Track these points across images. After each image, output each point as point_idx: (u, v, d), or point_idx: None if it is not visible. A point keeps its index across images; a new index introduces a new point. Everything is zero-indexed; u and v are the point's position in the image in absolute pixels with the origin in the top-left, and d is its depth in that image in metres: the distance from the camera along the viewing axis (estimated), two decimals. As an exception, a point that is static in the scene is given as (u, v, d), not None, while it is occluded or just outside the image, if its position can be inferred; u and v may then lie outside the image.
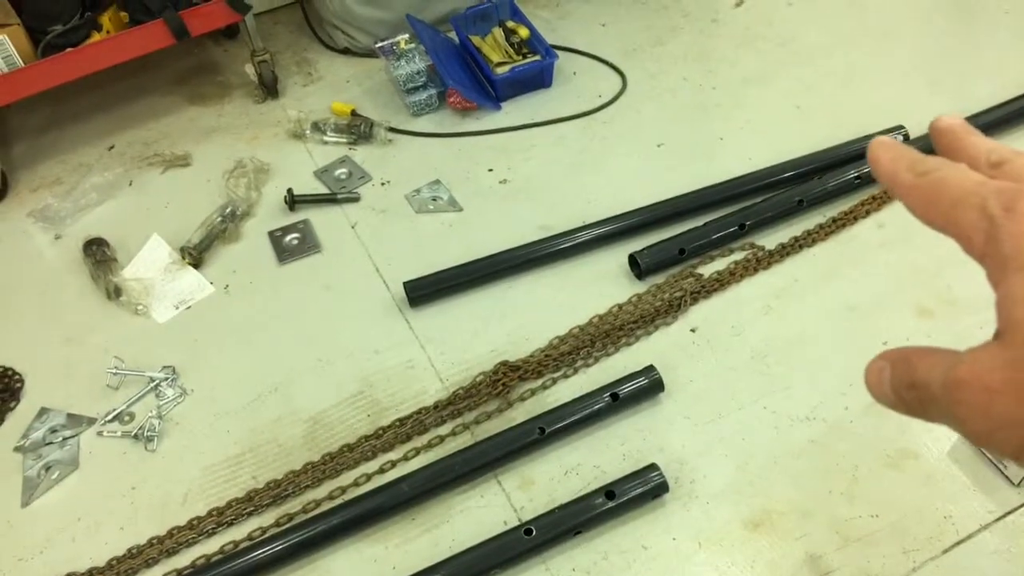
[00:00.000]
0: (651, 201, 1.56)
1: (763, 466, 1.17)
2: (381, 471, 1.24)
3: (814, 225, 1.50)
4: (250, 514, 1.21)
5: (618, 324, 1.36)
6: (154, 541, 1.19)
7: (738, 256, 1.46)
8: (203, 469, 1.27)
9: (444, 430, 1.28)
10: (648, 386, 1.25)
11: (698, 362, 1.31)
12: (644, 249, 1.46)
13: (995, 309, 0.31)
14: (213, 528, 1.20)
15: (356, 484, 1.23)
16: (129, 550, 1.18)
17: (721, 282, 1.41)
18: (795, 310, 1.37)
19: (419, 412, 1.29)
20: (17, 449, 1.33)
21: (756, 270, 1.43)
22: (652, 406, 1.26)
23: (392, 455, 1.26)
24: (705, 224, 1.49)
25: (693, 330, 1.36)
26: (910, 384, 0.34)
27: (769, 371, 1.28)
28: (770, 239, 1.49)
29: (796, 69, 1.90)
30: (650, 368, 1.26)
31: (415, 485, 1.20)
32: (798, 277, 1.42)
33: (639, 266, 1.43)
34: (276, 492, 1.23)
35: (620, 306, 1.40)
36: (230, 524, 1.20)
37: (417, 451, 1.26)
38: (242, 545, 1.17)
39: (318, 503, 1.21)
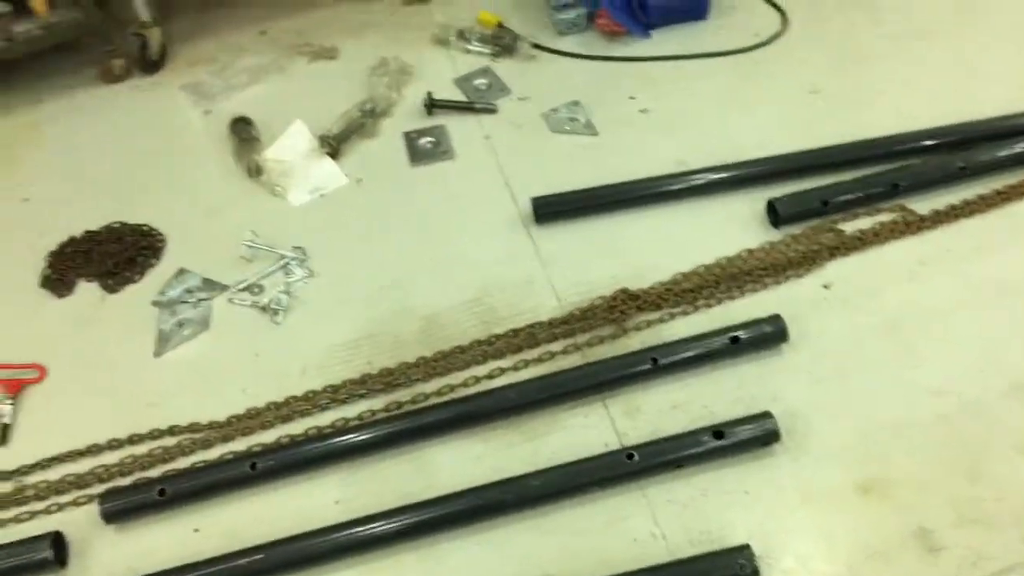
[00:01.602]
0: (797, 149, 1.49)
1: (884, 433, 1.13)
2: (490, 376, 1.26)
3: (975, 195, 1.40)
4: (362, 396, 1.26)
5: (746, 269, 1.32)
6: (271, 406, 1.25)
7: (886, 217, 1.38)
8: (322, 347, 1.32)
9: (555, 347, 1.28)
10: (771, 334, 1.21)
11: (827, 318, 1.26)
12: (784, 196, 1.40)
13: None
14: (327, 403, 1.25)
15: (465, 385, 1.25)
16: (248, 410, 1.25)
17: (863, 241, 1.34)
18: (942, 280, 1.30)
19: (533, 326, 1.30)
20: (155, 304, 1.41)
21: (904, 234, 1.35)
22: (772, 355, 1.22)
23: (502, 363, 1.27)
24: (855, 179, 1.42)
25: (826, 286, 1.30)
26: None
27: (904, 338, 1.22)
28: (923, 204, 1.40)
29: (973, 27, 1.75)
30: (775, 317, 1.22)
31: (522, 394, 1.21)
32: (950, 247, 1.34)
33: (777, 213, 1.38)
34: (388, 380, 1.26)
35: (751, 251, 1.35)
36: (343, 402, 1.25)
37: (527, 363, 1.27)
38: (352, 423, 1.22)
39: (427, 396, 1.24)
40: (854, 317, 1.26)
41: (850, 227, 1.38)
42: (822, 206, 1.38)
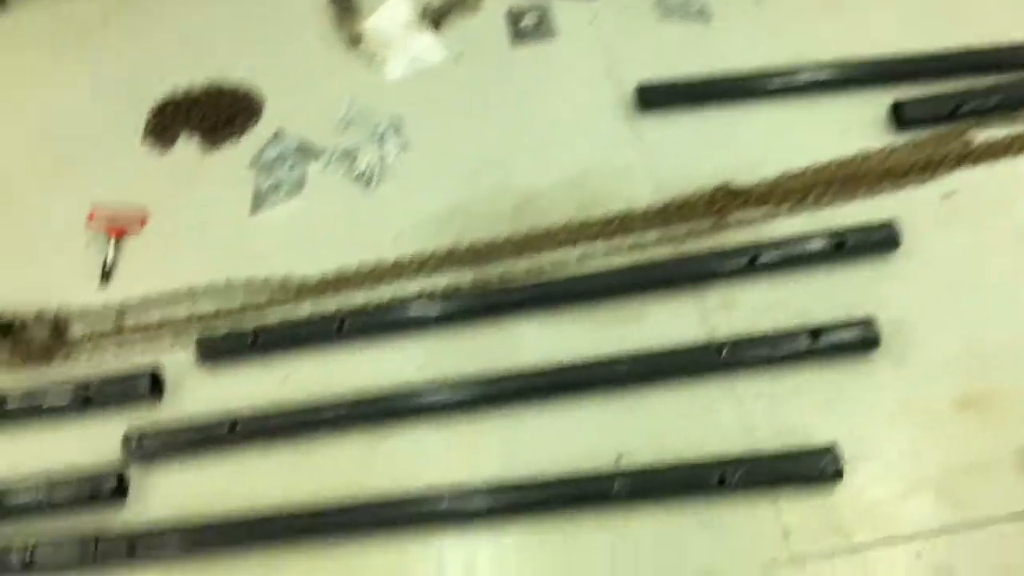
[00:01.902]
0: (931, 48, 1.37)
1: (996, 351, 1.07)
2: (581, 260, 1.24)
3: None
4: (451, 269, 1.25)
5: (862, 172, 1.25)
6: (361, 271, 1.26)
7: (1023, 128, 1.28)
8: (414, 218, 1.31)
9: (650, 237, 1.24)
10: (882, 240, 1.15)
11: (946, 230, 1.18)
12: (912, 99, 1.30)
13: None
14: (415, 272, 1.25)
15: (555, 267, 1.23)
16: (338, 273, 1.26)
17: (994, 152, 1.24)
18: (1078, 200, 1.20)
19: (629, 214, 1.26)
20: (251, 164, 1.43)
21: (1040, 147, 1.25)
22: (881, 263, 1.16)
23: (594, 248, 1.24)
24: (991, 85, 1.31)
25: (948, 196, 1.22)
26: None
27: (1029, 257, 1.14)
28: (1066, 117, 1.29)
29: None
30: (888, 223, 1.16)
31: (614, 280, 1.19)
32: (1091, 165, 1.24)
33: (902, 116, 1.28)
34: (478, 255, 1.25)
35: (869, 154, 1.27)
36: (431, 273, 1.25)
37: (620, 250, 1.23)
38: (439, 293, 1.22)
39: (516, 275, 1.23)
40: (975, 231, 1.18)
41: (981, 136, 1.28)
42: (952, 112, 1.28)
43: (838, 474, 0.98)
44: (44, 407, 1.16)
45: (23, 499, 1.10)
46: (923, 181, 1.24)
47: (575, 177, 1.33)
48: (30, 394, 1.17)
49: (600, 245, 1.25)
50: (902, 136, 1.30)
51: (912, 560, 0.95)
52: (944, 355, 1.07)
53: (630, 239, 1.25)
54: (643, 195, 1.29)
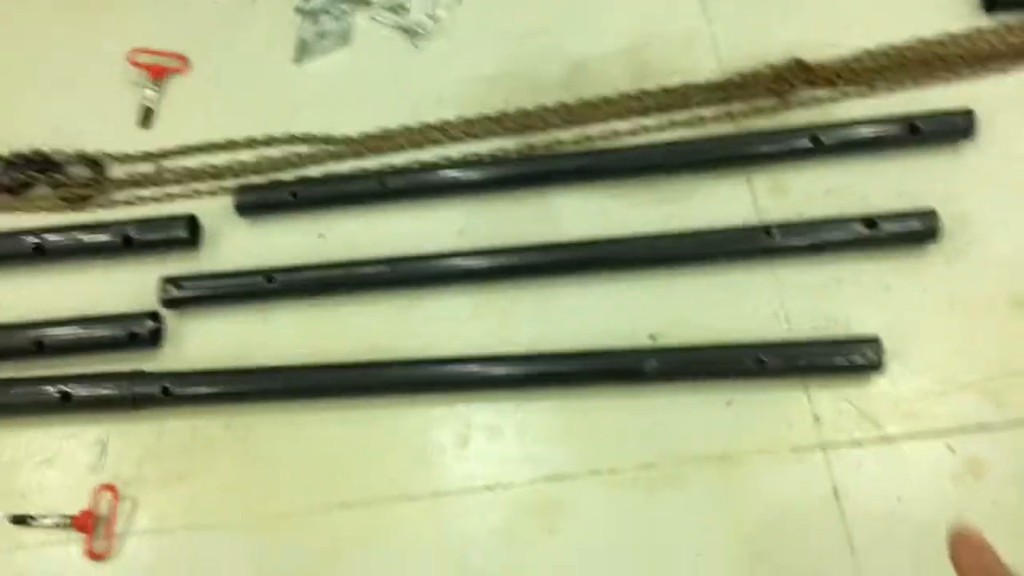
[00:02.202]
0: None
1: (1061, 253, 1.02)
2: (632, 133, 1.18)
3: None
4: (496, 134, 1.21)
5: (942, 55, 1.16)
6: (404, 130, 1.22)
7: (1126, 18, 1.17)
8: (461, 79, 1.26)
9: (708, 112, 1.18)
10: (956, 129, 1.08)
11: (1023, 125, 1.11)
12: (1007, -21, 1.19)
13: None
14: (459, 135, 1.21)
15: (604, 138, 1.19)
16: (381, 130, 1.23)
17: (1090, 43, 1.15)
18: None
19: (686, 87, 1.20)
20: (297, 11, 1.37)
21: None
22: (952, 154, 1.09)
23: (647, 121, 1.19)
24: (1099, -31, 1.19)
25: (1032, 88, 1.14)
26: None
27: (1109, 157, 1.07)
28: None
29: None
30: (967, 112, 1.08)
31: (664, 155, 1.14)
32: None
33: (993, -3, 1.19)
34: (525, 121, 1.21)
35: (952, 36, 1.18)
36: (475, 137, 1.21)
37: (674, 124, 1.18)
38: (484, 158, 1.19)
39: (563, 144, 1.19)
40: (1056, 128, 1.10)
41: (1077, 25, 1.17)
42: (1050, -4, 1.18)
43: (878, 366, 0.96)
44: (83, 246, 1.17)
45: (60, 337, 1.12)
46: (1006, 71, 1.15)
47: (632, 44, 1.25)
48: (69, 233, 1.18)
49: (653, 119, 1.19)
50: (990, 20, 1.19)
51: (944, 453, 0.94)
52: (1004, 253, 1.02)
53: (686, 114, 1.19)
54: (704, 68, 1.22)
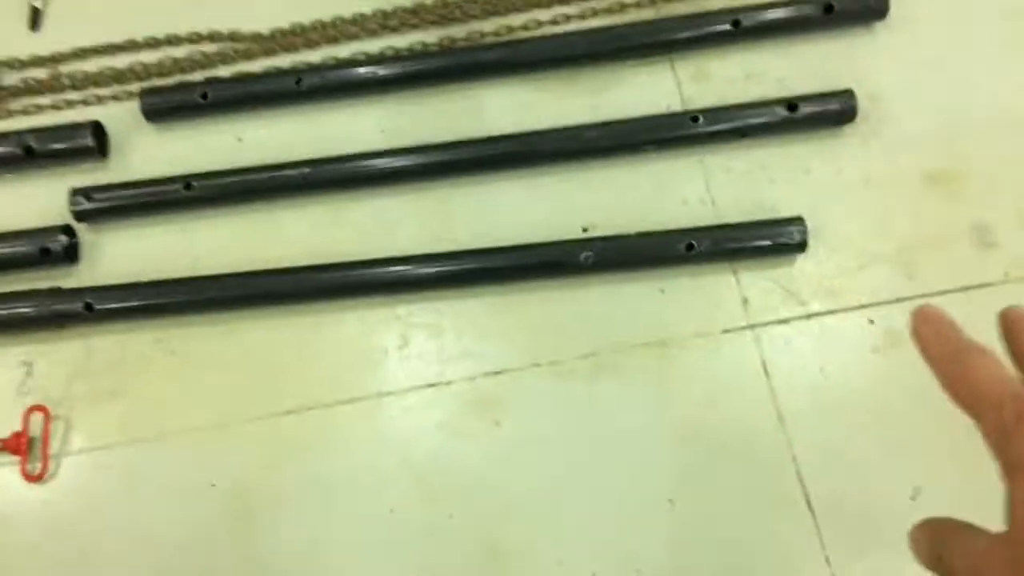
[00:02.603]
0: None
1: (967, 127, 1.06)
2: (553, 22, 1.16)
3: None
4: (414, 27, 1.16)
5: (857, -65, 1.17)
6: (318, 25, 1.17)
7: None
8: (374, -31, 1.20)
9: (629, -1, 1.17)
10: (869, 8, 1.09)
11: (933, 2, 1.13)
12: None
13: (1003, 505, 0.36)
14: (376, 29, 1.16)
15: (525, 28, 1.16)
16: (292, 26, 1.16)
17: (997, -82, 1.17)
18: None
19: (607, -28, 1.17)
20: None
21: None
22: (866, 34, 1.11)
23: (568, 9, 1.16)
24: None
25: (941, -36, 1.16)
26: (938, 557, 0.39)
27: (1019, 33, 1.10)
28: None
29: None
30: (876, -8, 1.10)
31: (586, 43, 1.12)
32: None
33: None
34: (444, 12, 1.16)
35: (866, -85, 1.18)
36: (393, 30, 1.16)
37: (595, 12, 1.16)
38: (403, 53, 1.15)
39: (483, 35, 1.16)
40: (964, 5, 1.13)
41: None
42: None
43: (803, 246, 0.99)
44: (-19, 159, 1.09)
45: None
46: (919, -52, 1.17)
47: (551, -71, 1.21)
48: (-37, 145, 1.09)
49: (574, 7, 1.17)
50: None
51: (864, 325, 0.99)
52: (917, 130, 1.06)
53: (607, 1, 1.17)
54: (623, -48, 1.19)
